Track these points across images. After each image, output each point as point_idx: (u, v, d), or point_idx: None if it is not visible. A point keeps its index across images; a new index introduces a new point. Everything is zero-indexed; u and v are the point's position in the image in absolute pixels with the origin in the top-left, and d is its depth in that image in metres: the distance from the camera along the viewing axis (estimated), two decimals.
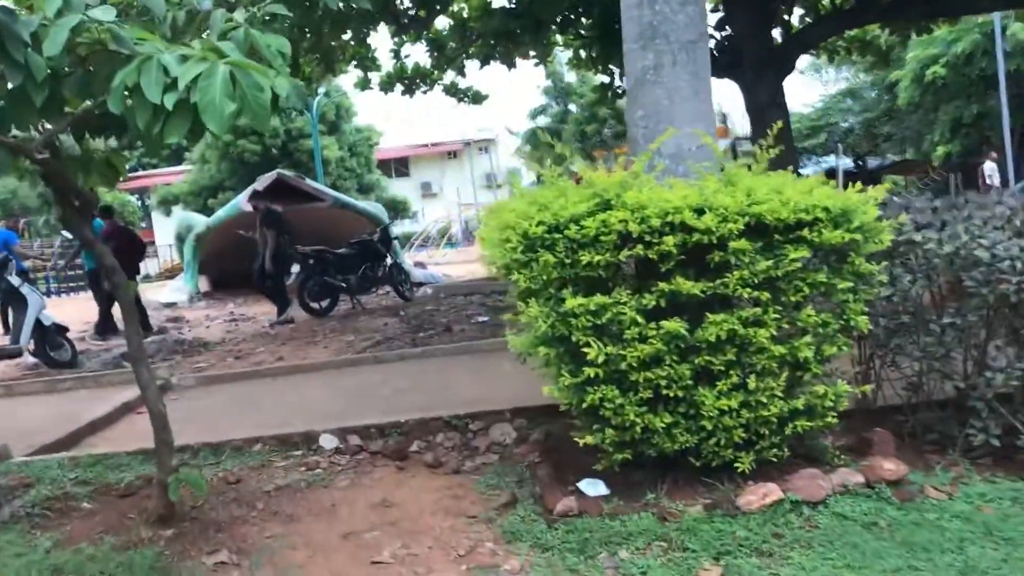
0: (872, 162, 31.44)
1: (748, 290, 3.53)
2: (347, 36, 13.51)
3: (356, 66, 14.64)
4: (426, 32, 14.04)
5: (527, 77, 43.83)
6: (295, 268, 12.28)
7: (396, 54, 14.78)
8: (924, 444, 4.02)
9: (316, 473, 4.48)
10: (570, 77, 35.71)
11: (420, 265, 18.58)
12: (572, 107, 36.58)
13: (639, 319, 3.55)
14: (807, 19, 12.04)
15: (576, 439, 3.73)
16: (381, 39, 21.58)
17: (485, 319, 10.10)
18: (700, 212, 3.56)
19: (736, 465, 3.62)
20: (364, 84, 15.07)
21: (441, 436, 4.91)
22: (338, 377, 7.22)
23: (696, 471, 3.70)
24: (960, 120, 25.43)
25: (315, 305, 12.28)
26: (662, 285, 3.55)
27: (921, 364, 4.05)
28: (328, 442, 4.88)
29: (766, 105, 9.60)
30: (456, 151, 52.62)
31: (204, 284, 17.16)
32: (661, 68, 4.25)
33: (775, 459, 3.68)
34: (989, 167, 22.41)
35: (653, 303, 3.57)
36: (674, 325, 3.53)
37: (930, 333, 3.97)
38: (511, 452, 4.60)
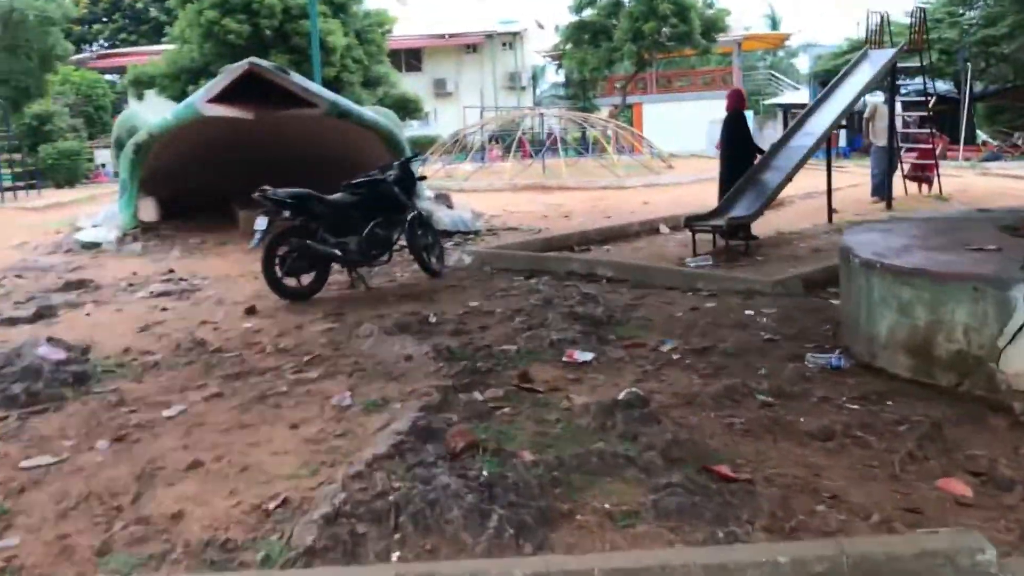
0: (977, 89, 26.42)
1: None
2: None
3: None
4: None
5: None
6: (260, 223, 7.62)
7: None
8: None
9: None
10: None
11: (443, 199, 13.82)
12: (625, 0, 30.99)
13: None
14: None
15: None
16: None
17: (588, 357, 5.51)
18: None
19: None
20: None
21: None
22: None
23: None
24: None
25: (291, 283, 7.69)
26: None
27: None
28: None
29: None
30: (476, 44, 46.93)
31: (150, 210, 12.45)
32: None
33: None
34: None
35: None
36: None
37: None
38: None
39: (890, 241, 5.36)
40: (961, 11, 28.60)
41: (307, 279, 7.73)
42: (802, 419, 4.34)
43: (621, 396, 4.69)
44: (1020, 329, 4.12)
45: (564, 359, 5.53)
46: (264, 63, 10.87)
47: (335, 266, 8.05)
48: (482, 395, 4.87)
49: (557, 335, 5.97)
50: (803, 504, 3.47)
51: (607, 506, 3.45)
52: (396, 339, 6.05)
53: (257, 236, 7.59)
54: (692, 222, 9.63)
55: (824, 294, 7.20)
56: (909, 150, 15.63)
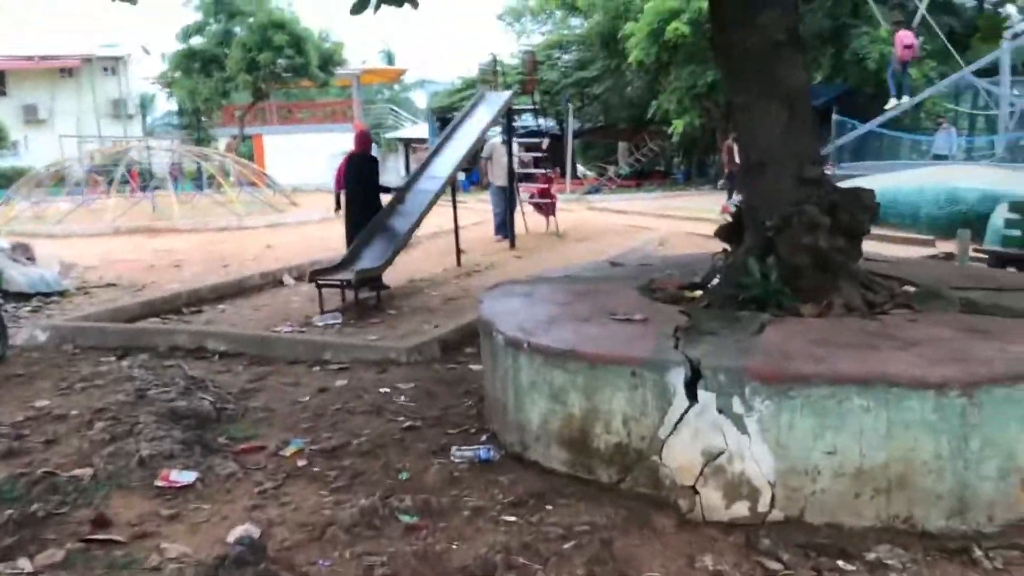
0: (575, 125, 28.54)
1: None
2: None
3: None
4: None
5: None
6: None
7: None
8: None
9: None
10: None
11: (22, 250, 11.57)
12: (237, 29, 29.29)
13: None
14: None
15: None
16: None
17: (190, 479, 4.33)
18: None
19: None
20: None
21: None
22: None
23: None
24: (694, 87, 22.70)
25: None
26: None
27: None
28: None
29: None
30: (73, 68, 42.40)
31: None
32: None
33: None
34: None
35: None
36: None
37: None
38: None
39: (533, 311, 4.84)
40: (558, 54, 30.78)
41: None
42: (455, 546, 3.58)
43: (231, 540, 3.63)
44: (681, 418, 3.70)
45: (159, 483, 4.31)
46: None
47: None
48: (32, 563, 3.53)
49: (150, 448, 4.69)
50: None
51: None
52: None
53: None
54: (318, 276, 8.70)
55: (462, 357, 6.64)
56: (528, 188, 16.04)
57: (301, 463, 4.58)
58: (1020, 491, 3.57)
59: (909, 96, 19.38)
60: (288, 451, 4.73)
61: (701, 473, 3.69)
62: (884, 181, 13.41)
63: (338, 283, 8.66)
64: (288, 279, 10.68)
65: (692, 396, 3.69)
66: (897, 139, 20.92)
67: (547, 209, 15.46)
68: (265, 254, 13.38)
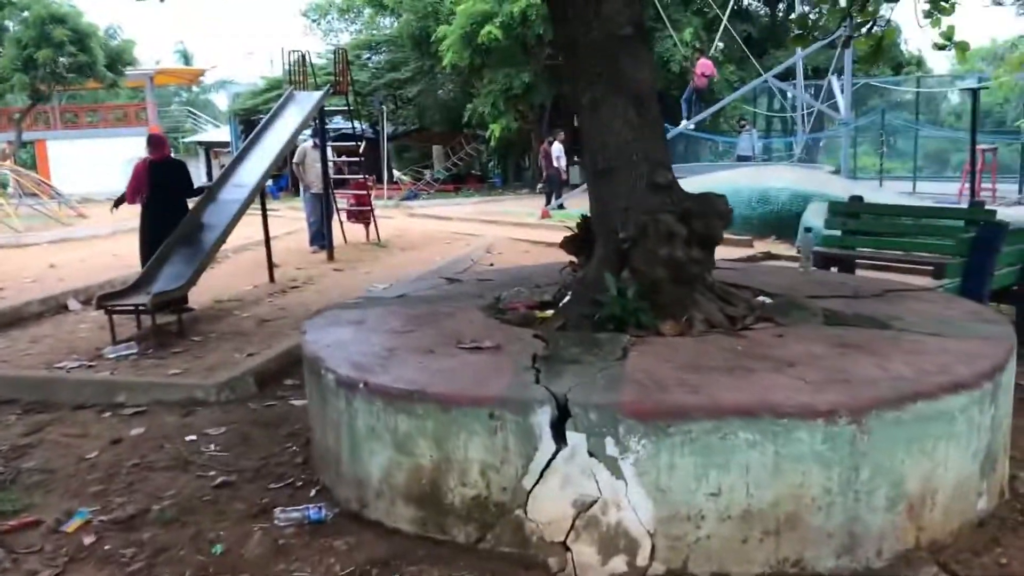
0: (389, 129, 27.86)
1: None
2: None
3: None
4: None
5: None
6: None
7: None
8: None
9: None
10: None
11: None
12: (9, 23, 26.56)
13: None
14: None
15: None
16: None
17: None
18: None
19: None
20: None
21: None
22: None
23: None
24: (509, 90, 22.57)
25: None
26: None
27: None
28: None
29: None
30: None
31: None
32: None
33: None
34: (557, 149, 19.91)
35: None
36: None
37: None
38: None
39: (368, 341, 4.21)
40: (368, 55, 29.92)
41: None
42: None
43: None
44: (548, 465, 3.21)
45: None
46: None
47: None
48: None
49: None
50: None
51: None
52: None
53: None
54: (107, 302, 7.64)
55: (283, 391, 5.90)
56: (344, 194, 15.24)
57: (88, 540, 3.75)
58: (908, 519, 3.32)
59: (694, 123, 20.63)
60: (71, 525, 3.88)
61: (572, 526, 3.21)
62: (699, 183, 13.59)
63: (132, 309, 7.64)
64: (74, 304, 9.45)
65: (560, 438, 3.21)
66: (700, 141, 21.63)
67: (364, 217, 14.73)
68: (48, 275, 11.90)
